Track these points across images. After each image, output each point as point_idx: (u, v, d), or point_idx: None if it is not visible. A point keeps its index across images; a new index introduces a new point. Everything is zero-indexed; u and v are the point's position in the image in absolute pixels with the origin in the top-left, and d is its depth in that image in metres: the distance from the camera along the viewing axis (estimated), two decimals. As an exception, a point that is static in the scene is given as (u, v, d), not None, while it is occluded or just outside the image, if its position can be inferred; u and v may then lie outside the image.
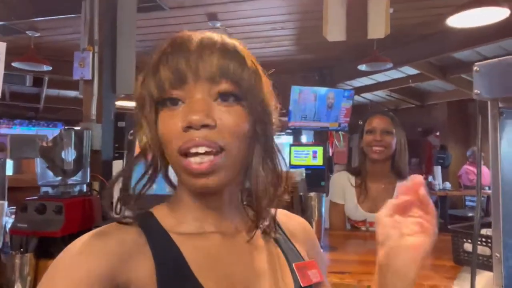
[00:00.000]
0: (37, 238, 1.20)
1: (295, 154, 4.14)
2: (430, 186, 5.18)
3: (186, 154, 0.50)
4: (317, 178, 3.86)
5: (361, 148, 1.85)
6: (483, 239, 1.01)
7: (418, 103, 6.89)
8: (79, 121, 1.74)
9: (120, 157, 1.54)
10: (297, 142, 4.89)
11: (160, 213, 0.57)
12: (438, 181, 5.39)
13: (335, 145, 4.94)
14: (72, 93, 6.53)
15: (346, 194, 1.83)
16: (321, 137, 4.97)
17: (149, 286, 0.49)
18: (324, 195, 1.32)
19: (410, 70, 5.30)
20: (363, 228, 1.78)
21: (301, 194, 1.40)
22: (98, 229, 0.53)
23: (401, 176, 1.80)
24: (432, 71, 5.17)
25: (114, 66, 1.76)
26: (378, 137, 1.77)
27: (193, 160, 0.50)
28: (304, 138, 5.50)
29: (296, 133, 5.22)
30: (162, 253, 0.52)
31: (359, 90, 6.09)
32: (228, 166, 0.52)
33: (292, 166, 3.79)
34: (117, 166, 1.51)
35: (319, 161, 4.11)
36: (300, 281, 0.58)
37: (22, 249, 1.17)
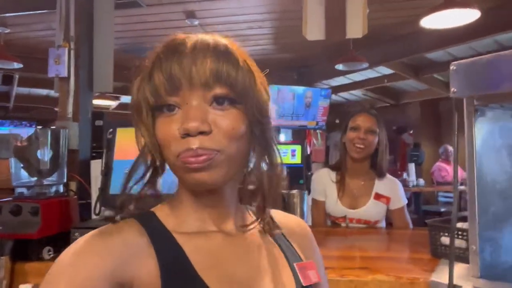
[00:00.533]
0: (12, 241, 1.16)
1: (274, 153, 4.15)
2: (404, 183, 5.31)
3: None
4: (296, 176, 3.88)
5: (343, 144, 1.88)
6: (459, 232, 1.04)
7: (393, 102, 7.05)
8: (51, 120, 1.69)
9: (98, 156, 1.51)
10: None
11: (162, 213, 0.57)
12: (412, 178, 5.53)
13: (313, 144, 4.99)
14: (43, 91, 6.34)
15: (327, 191, 1.86)
16: (299, 135, 5.01)
17: (153, 285, 0.49)
18: (305, 192, 1.34)
19: (385, 70, 5.42)
20: (343, 224, 1.81)
21: (283, 191, 1.41)
22: (100, 228, 0.53)
23: (381, 174, 1.84)
24: (406, 70, 5.30)
25: (91, 63, 1.72)
26: (361, 135, 1.79)
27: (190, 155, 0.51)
28: (282, 137, 5.53)
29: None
30: (165, 252, 0.52)
31: (336, 89, 6.18)
32: (225, 164, 0.52)
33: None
34: (95, 165, 1.48)
35: (297, 160, 4.12)
36: (302, 280, 0.59)
37: (-4, 252, 1.13)
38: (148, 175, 0.57)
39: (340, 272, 1.02)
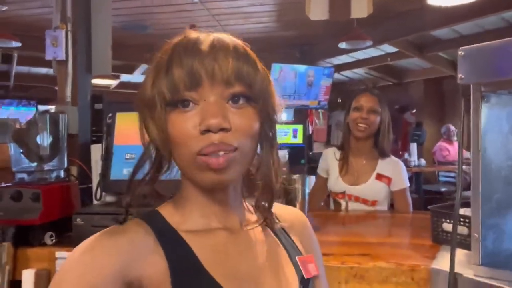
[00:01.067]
0: (14, 227, 1.16)
1: (275, 133, 4.14)
2: (406, 163, 5.28)
3: (204, 154, 0.52)
4: (297, 156, 3.88)
5: (347, 124, 1.91)
6: (461, 219, 1.04)
7: (396, 80, 6.97)
8: (51, 99, 1.67)
9: (98, 140, 1.49)
10: (277, 121, 4.88)
11: (166, 211, 0.58)
12: (413, 158, 5.52)
13: (315, 123, 4.97)
14: (43, 70, 6.28)
15: (330, 168, 1.92)
16: (301, 115, 4.98)
17: (163, 283, 0.50)
18: (307, 176, 1.33)
19: (388, 48, 5.33)
20: (343, 202, 1.84)
21: (284, 176, 1.40)
22: (107, 228, 0.54)
23: (383, 154, 1.86)
24: (410, 49, 5.21)
25: (89, 45, 1.68)
26: (364, 115, 1.83)
27: (211, 156, 0.51)
28: (283, 117, 5.50)
29: (276, 111, 5.20)
30: (173, 250, 0.53)
31: (338, 68, 6.10)
32: (241, 162, 0.53)
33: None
34: (96, 150, 1.47)
35: (299, 139, 4.12)
36: (304, 274, 0.60)
37: (-1, 238, 1.14)
38: (152, 172, 0.57)
39: (340, 259, 1.02)
